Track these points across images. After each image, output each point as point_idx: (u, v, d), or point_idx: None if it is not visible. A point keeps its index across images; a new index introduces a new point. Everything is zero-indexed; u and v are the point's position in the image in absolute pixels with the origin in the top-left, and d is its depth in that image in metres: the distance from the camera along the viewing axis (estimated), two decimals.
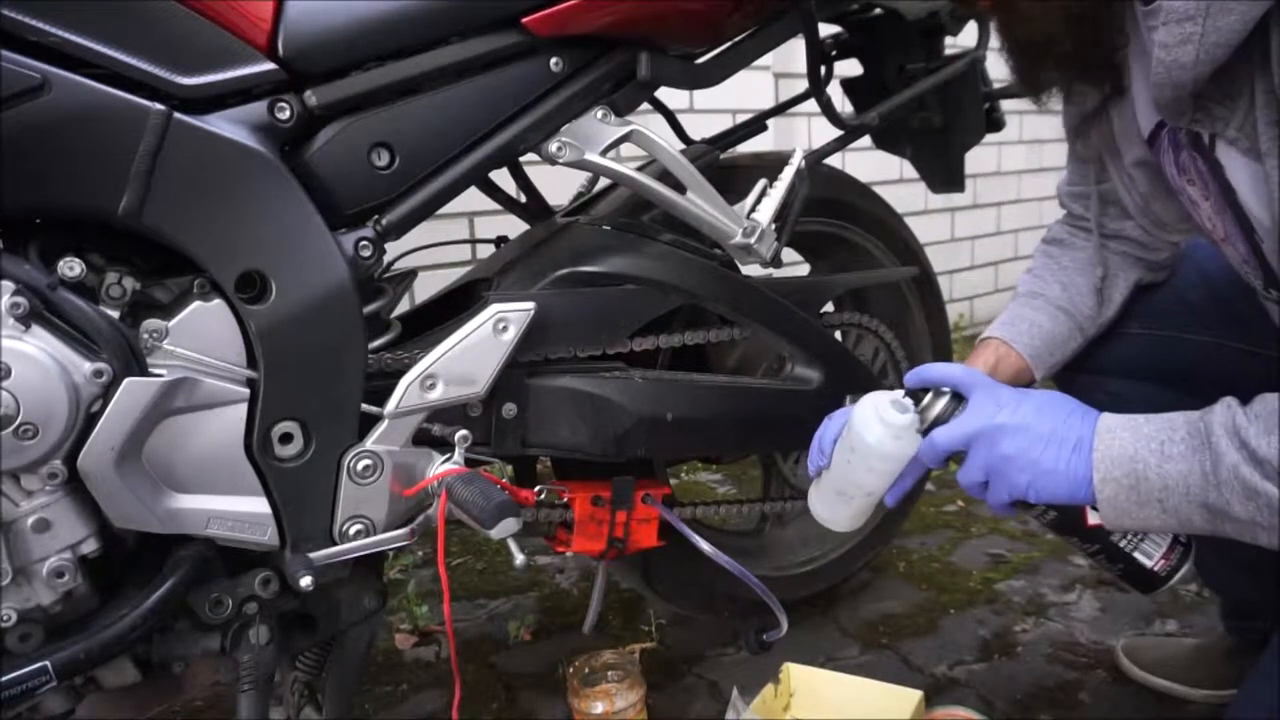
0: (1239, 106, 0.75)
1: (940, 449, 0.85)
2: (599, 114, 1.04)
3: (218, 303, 0.84)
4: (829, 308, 1.45)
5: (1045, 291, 1.12)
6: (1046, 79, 0.90)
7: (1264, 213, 0.80)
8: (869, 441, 0.88)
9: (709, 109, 2.36)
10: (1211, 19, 0.70)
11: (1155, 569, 0.89)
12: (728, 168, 1.29)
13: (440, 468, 0.95)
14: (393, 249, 1.00)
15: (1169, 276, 1.15)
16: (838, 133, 1.32)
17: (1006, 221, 3.67)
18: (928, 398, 0.88)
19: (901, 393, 0.90)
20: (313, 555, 0.91)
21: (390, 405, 0.93)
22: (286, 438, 0.89)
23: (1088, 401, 1.22)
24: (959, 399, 0.86)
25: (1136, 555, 0.89)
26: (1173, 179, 0.94)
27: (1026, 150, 3.67)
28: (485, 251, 1.76)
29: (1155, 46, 0.74)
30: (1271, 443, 0.69)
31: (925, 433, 0.87)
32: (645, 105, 1.16)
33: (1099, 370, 1.17)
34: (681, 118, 1.43)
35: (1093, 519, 0.86)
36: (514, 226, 1.30)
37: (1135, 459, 0.76)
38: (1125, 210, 1.06)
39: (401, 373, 0.94)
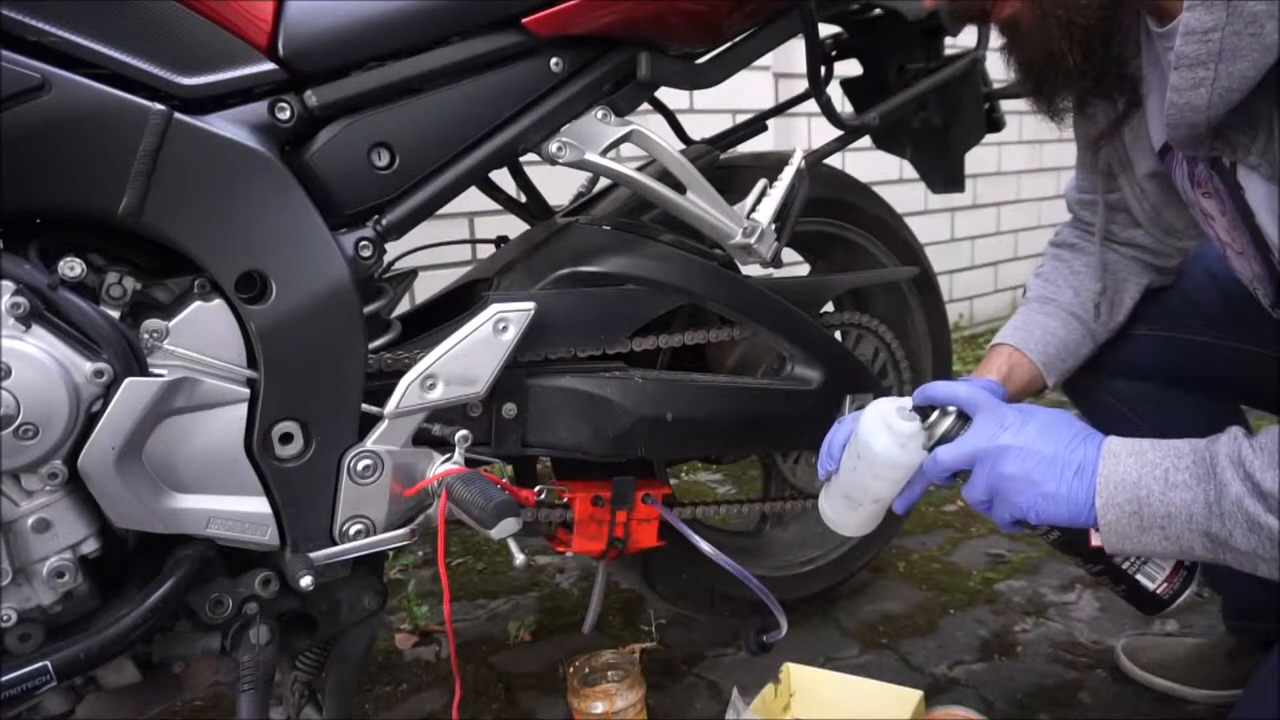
0: (1259, 135, 0.75)
1: (944, 466, 0.85)
2: (599, 114, 1.04)
3: (218, 303, 0.84)
4: (829, 308, 1.45)
5: (1057, 296, 1.11)
6: (1059, 95, 0.89)
7: (1277, 238, 0.80)
8: (876, 449, 0.88)
9: (709, 109, 2.36)
10: (1224, 64, 0.69)
11: (1157, 592, 0.90)
12: (728, 168, 1.29)
13: (440, 468, 0.95)
14: (393, 249, 1.00)
15: (1177, 278, 1.14)
16: (838, 133, 1.32)
17: (1006, 221, 3.67)
18: (934, 415, 0.88)
19: (908, 401, 0.90)
20: (313, 555, 0.91)
21: (390, 405, 0.93)
22: (287, 438, 0.89)
23: (1094, 402, 1.22)
24: (965, 418, 0.87)
25: (1139, 578, 0.89)
26: (1185, 192, 0.93)
27: (1026, 150, 3.67)
28: (485, 251, 1.76)
29: (1168, 89, 0.74)
30: (1275, 477, 0.69)
31: (931, 449, 0.87)
32: (645, 105, 1.16)
33: (1106, 371, 1.17)
34: (681, 118, 1.43)
35: (1096, 540, 0.86)
36: (514, 226, 1.30)
37: (1139, 485, 0.75)
38: (1134, 218, 1.06)
39: (401, 373, 0.94)
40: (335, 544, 0.93)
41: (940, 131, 1.49)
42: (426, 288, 1.36)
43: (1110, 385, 1.18)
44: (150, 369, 0.82)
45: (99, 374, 0.78)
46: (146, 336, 0.82)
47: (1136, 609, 0.93)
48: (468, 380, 0.96)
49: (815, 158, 1.26)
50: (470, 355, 0.96)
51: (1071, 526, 0.81)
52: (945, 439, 0.86)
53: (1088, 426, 0.82)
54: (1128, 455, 0.77)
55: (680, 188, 1.09)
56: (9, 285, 0.75)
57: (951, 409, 0.88)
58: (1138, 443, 0.78)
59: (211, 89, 0.83)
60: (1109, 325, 1.12)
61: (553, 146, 1.02)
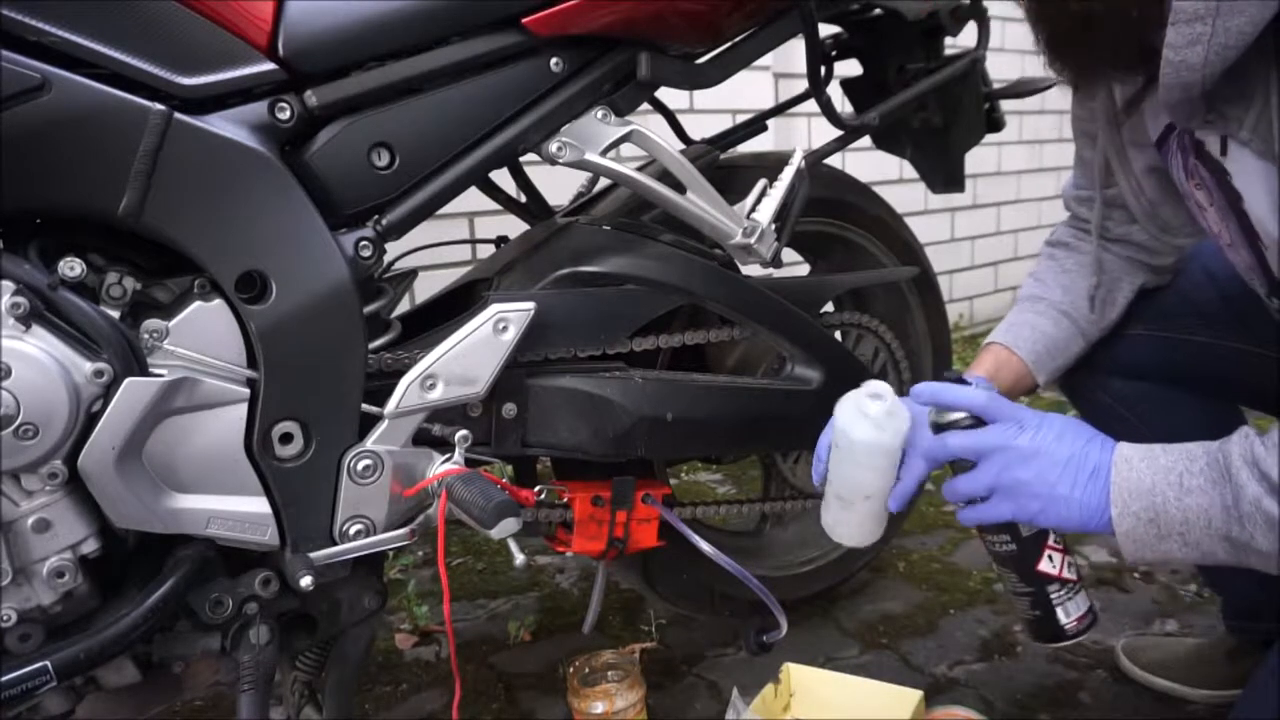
0: (1253, 106, 0.74)
1: (951, 450, 0.85)
2: (599, 114, 1.04)
3: (218, 303, 0.84)
4: (829, 308, 1.45)
5: (1047, 295, 1.11)
6: (1087, 66, 0.86)
7: (1271, 219, 0.79)
8: (854, 437, 0.88)
9: (709, 109, 2.36)
10: (1221, 19, 0.69)
11: (1066, 626, 0.90)
12: (728, 168, 1.29)
13: (440, 468, 0.95)
14: (393, 249, 1.00)
15: (1174, 278, 1.14)
16: (838, 133, 1.32)
17: (1006, 221, 3.67)
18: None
19: (876, 384, 0.90)
20: (313, 555, 0.91)
21: (390, 405, 0.93)
22: (287, 438, 0.89)
23: (1091, 402, 1.21)
24: (979, 420, 0.87)
25: (1058, 610, 0.90)
26: (1180, 183, 0.93)
27: (1026, 150, 3.67)
28: (485, 251, 1.76)
29: (1165, 46, 0.73)
30: None
31: (940, 430, 0.87)
32: (645, 105, 1.16)
33: (1104, 371, 1.17)
34: (681, 118, 1.43)
35: (1043, 565, 0.88)
36: (514, 226, 1.30)
37: (1154, 492, 0.74)
38: (1131, 215, 1.06)
39: (401, 373, 0.94)
40: (335, 544, 0.93)
41: (940, 131, 1.49)
42: (426, 288, 1.36)
43: (1108, 385, 1.18)
44: (150, 369, 0.82)
45: (99, 374, 0.78)
46: (146, 336, 0.82)
47: (1034, 634, 0.93)
48: (468, 380, 0.96)
49: (815, 158, 1.26)
50: (470, 355, 0.96)
51: (1081, 531, 0.80)
52: (955, 426, 0.87)
53: (1101, 433, 0.81)
54: (1140, 460, 0.76)
55: (680, 188, 1.09)
56: (9, 285, 0.75)
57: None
58: (1150, 447, 0.77)
59: (211, 89, 0.83)
60: (1101, 324, 1.12)
61: (553, 146, 1.02)
